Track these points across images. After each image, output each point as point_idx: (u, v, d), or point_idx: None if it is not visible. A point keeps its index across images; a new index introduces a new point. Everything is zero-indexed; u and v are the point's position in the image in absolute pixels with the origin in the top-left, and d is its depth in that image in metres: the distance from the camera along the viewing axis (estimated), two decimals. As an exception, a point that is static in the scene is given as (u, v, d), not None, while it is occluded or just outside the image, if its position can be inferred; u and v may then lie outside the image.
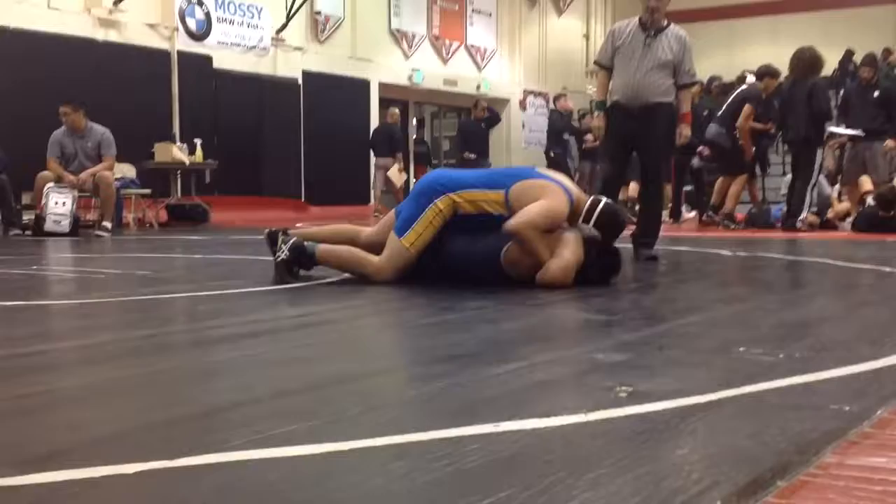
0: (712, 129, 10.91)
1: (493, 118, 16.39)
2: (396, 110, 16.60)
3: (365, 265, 4.35)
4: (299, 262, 4.43)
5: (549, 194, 4.18)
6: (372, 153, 16.38)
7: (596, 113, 6.28)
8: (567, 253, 4.11)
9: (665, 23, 5.91)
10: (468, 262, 4.24)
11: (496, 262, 4.19)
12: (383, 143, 15.86)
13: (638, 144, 5.93)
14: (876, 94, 10.33)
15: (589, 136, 18.49)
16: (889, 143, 10.25)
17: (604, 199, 4.41)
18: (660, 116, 5.83)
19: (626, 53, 5.83)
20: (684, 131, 5.98)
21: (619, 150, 6.01)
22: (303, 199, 15.87)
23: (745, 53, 11.89)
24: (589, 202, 4.33)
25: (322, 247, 4.42)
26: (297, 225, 4.78)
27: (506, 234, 4.15)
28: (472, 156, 15.20)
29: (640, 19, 5.92)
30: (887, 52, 20.91)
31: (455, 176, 4.40)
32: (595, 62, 6.19)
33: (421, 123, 20.85)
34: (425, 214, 4.23)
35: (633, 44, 5.82)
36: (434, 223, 4.22)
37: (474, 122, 16.06)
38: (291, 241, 4.39)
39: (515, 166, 4.64)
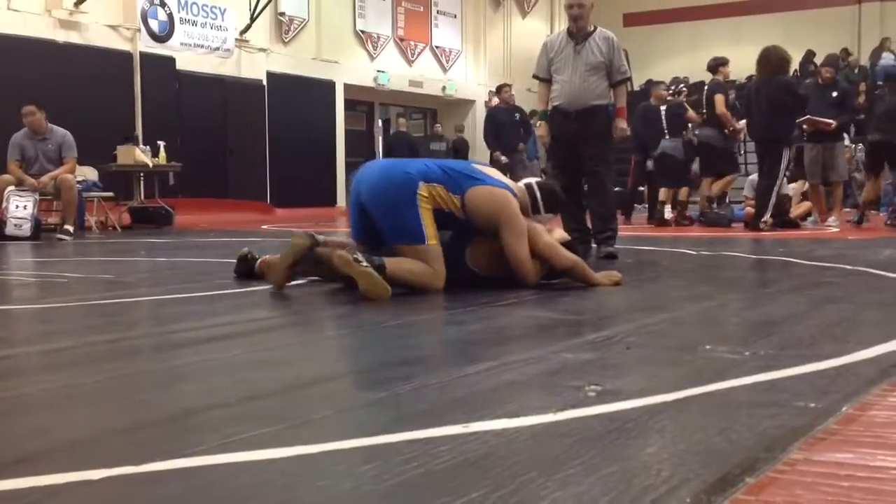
0: (705, 131, 11.13)
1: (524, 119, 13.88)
2: (403, 119, 16.71)
3: (429, 275, 3.99)
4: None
5: (503, 208, 4.13)
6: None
7: (539, 123, 6.57)
8: (545, 238, 4.19)
9: (591, 28, 6.25)
10: None
11: (462, 262, 4.19)
12: (402, 151, 16.00)
13: (578, 144, 6.18)
14: (834, 94, 10.48)
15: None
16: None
17: (534, 184, 4.53)
18: (597, 117, 6.17)
19: (560, 63, 6.22)
20: (620, 125, 6.23)
21: (563, 153, 6.32)
22: (268, 202, 15.79)
23: (708, 54, 11.97)
24: (527, 193, 4.40)
25: (390, 260, 3.90)
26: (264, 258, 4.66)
27: (465, 236, 4.17)
28: (504, 158, 13.13)
29: (567, 30, 6.29)
30: (845, 52, 21.23)
31: (414, 165, 4.17)
32: (533, 75, 6.48)
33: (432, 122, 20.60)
34: (420, 207, 3.98)
35: (565, 53, 6.20)
36: (428, 209, 4.01)
37: (504, 109, 13.83)
38: (362, 254, 3.81)
39: (461, 162, 4.56)
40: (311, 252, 4.12)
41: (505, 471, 1.48)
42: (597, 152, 6.19)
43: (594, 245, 6.23)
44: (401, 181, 4.01)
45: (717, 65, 11.09)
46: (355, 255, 3.73)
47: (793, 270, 5.28)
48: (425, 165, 4.15)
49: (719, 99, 10.70)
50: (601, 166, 6.25)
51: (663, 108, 11.77)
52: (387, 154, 17.15)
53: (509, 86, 14.69)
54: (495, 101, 20.22)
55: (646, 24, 24.76)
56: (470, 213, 4.10)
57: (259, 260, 4.66)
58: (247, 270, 4.69)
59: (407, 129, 16.92)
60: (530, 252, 4.15)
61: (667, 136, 11.60)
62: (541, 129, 6.47)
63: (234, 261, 4.81)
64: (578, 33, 6.18)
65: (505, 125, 13.53)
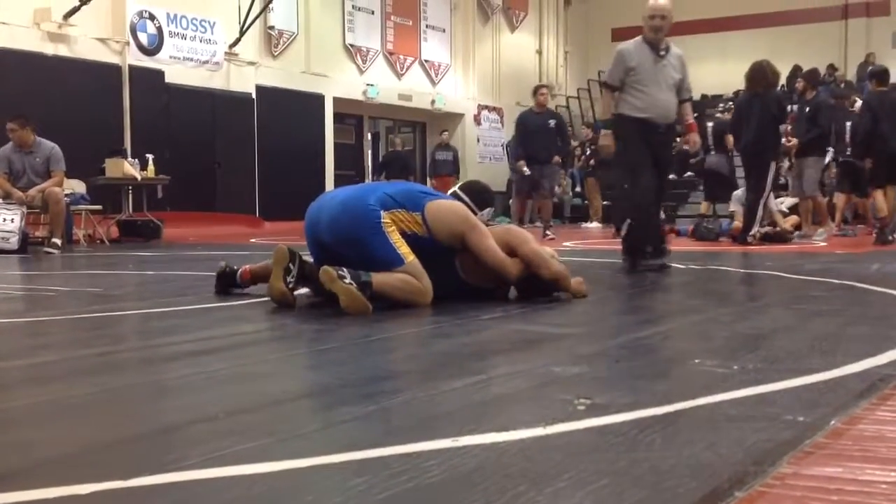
0: (712, 158, 11.39)
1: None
2: (398, 139, 16.71)
3: (416, 289, 3.93)
4: (362, 293, 3.75)
5: (466, 214, 4.15)
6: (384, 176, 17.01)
7: (603, 132, 6.33)
8: (531, 245, 4.20)
9: (665, 42, 6.20)
10: (439, 289, 4.07)
11: (454, 274, 4.19)
12: (395, 170, 16.27)
13: (658, 157, 6.17)
14: (807, 109, 10.63)
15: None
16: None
17: (456, 190, 4.60)
18: (673, 132, 6.33)
19: (643, 75, 6.08)
20: (696, 139, 6.37)
21: (646, 165, 6.10)
22: (257, 215, 15.76)
23: (696, 69, 12.02)
24: (459, 198, 4.45)
25: (378, 276, 3.84)
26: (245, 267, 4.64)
27: (441, 255, 4.14)
28: (527, 170, 11.44)
29: (645, 39, 6.15)
30: (832, 68, 21.38)
31: (371, 195, 4.05)
32: (603, 82, 6.38)
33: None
34: (387, 232, 3.93)
35: (647, 64, 6.09)
36: (394, 230, 3.97)
37: (538, 114, 11.75)
38: (348, 270, 3.78)
39: (407, 184, 4.63)
40: (303, 265, 4.10)
41: (494, 485, 1.48)
42: (668, 171, 6.40)
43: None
44: (362, 213, 3.94)
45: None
46: (340, 272, 3.71)
47: (781, 284, 5.30)
48: (383, 193, 4.06)
49: (730, 139, 11.17)
50: (666, 186, 6.46)
51: (710, 124, 11.90)
52: (380, 171, 17.25)
53: (546, 87, 12.91)
54: (484, 115, 20.11)
55: (631, 39, 24.87)
56: (433, 226, 4.06)
57: (240, 270, 4.62)
58: (227, 285, 4.64)
59: (402, 148, 16.96)
60: (513, 257, 4.14)
61: (712, 152, 11.84)
62: (605, 138, 6.25)
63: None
64: (659, 44, 6.12)
65: (537, 132, 11.50)
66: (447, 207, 4.14)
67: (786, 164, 11.63)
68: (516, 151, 12.12)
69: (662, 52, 6.11)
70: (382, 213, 3.96)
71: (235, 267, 4.66)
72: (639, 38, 6.21)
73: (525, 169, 11.48)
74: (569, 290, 4.24)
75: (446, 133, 19.25)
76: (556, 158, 11.95)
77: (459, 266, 4.19)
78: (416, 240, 4.04)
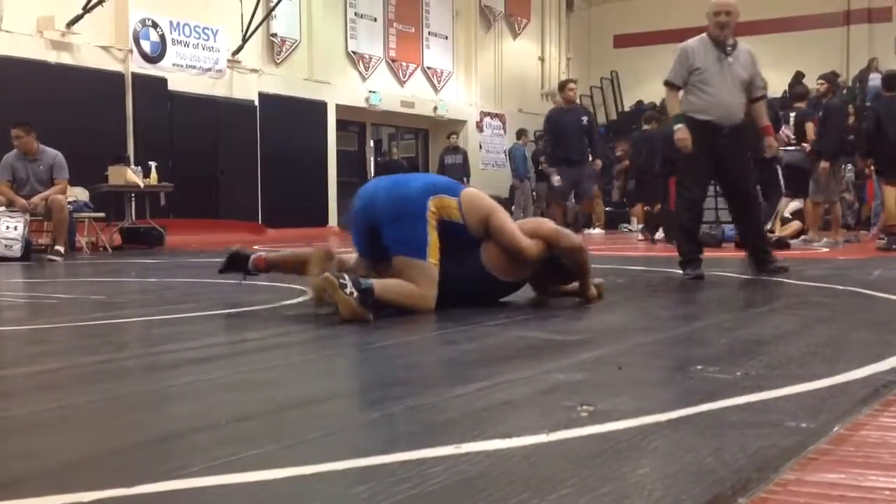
0: (793, 153, 11.38)
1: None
2: (395, 149, 16.54)
3: (417, 297, 3.94)
4: (364, 300, 3.72)
5: (490, 200, 4.33)
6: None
7: (678, 126, 5.90)
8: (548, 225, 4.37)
9: (732, 39, 5.97)
10: (462, 284, 4.15)
11: (485, 273, 4.21)
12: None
13: (725, 162, 5.93)
14: (819, 113, 10.64)
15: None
16: (823, 164, 10.57)
17: None
18: (745, 134, 5.97)
19: (707, 74, 5.88)
20: (772, 142, 6.06)
21: (705, 169, 5.99)
22: (260, 222, 15.78)
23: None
24: None
25: (379, 282, 3.85)
26: (255, 247, 4.67)
27: (470, 246, 4.19)
28: (557, 178, 10.69)
29: (709, 36, 5.95)
30: (834, 74, 21.34)
31: (419, 181, 4.25)
32: (666, 81, 6.07)
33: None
34: (428, 222, 4.00)
35: (711, 63, 5.89)
36: (434, 225, 4.04)
37: (568, 111, 10.93)
38: (350, 276, 3.75)
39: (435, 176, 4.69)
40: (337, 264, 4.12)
41: (498, 492, 1.48)
42: (746, 172, 6.07)
43: (755, 265, 6.13)
44: (414, 196, 4.06)
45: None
46: (342, 280, 3.71)
47: (783, 290, 5.30)
48: (429, 181, 4.27)
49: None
50: (751, 188, 6.13)
51: (793, 114, 11.55)
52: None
53: (574, 82, 11.84)
54: (487, 122, 19.99)
55: (636, 45, 24.89)
56: (466, 213, 4.16)
57: (253, 255, 4.61)
58: (236, 268, 4.61)
59: (396, 156, 16.99)
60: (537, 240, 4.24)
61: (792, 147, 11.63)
62: (681, 132, 5.84)
63: (230, 281, 4.79)
64: (725, 43, 5.92)
65: (570, 131, 10.62)
66: (477, 194, 4.33)
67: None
68: (551, 153, 11.14)
69: (729, 49, 5.89)
70: (429, 200, 4.06)
71: (248, 251, 4.66)
72: (703, 35, 6.02)
73: (556, 178, 10.78)
74: (585, 271, 4.36)
75: (455, 136, 18.81)
76: (598, 163, 11.30)
77: (484, 257, 4.22)
78: (453, 228, 4.11)
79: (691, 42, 6.05)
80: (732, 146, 5.89)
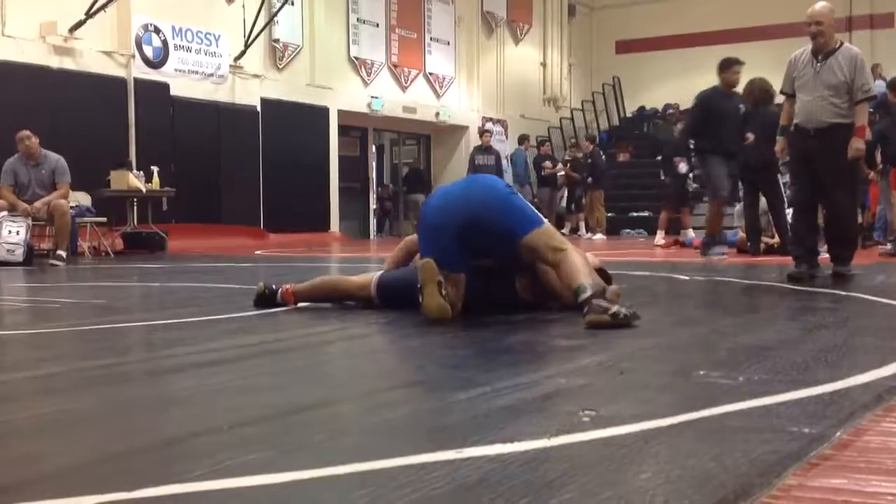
0: None
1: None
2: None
3: (581, 257, 3.97)
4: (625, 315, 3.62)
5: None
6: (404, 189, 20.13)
7: (779, 137, 6.48)
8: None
9: (836, 44, 6.17)
10: (487, 306, 4.10)
11: (517, 299, 4.21)
12: (416, 182, 19.22)
13: (817, 163, 6.14)
14: None
15: (547, 164, 18.68)
16: None
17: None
18: (836, 136, 6.05)
19: (802, 81, 6.21)
20: (854, 144, 6.10)
21: (800, 168, 6.32)
22: (261, 227, 15.78)
23: (698, 81, 12.09)
24: None
25: (591, 283, 3.76)
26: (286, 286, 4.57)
27: (511, 268, 4.20)
28: (684, 168, 9.42)
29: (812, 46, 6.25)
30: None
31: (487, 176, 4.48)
32: (780, 91, 6.53)
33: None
34: (517, 195, 4.16)
35: (805, 71, 6.18)
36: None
37: (728, 95, 9.14)
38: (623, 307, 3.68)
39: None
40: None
41: (499, 496, 1.48)
42: (835, 175, 6.11)
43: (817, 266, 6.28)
44: (496, 186, 4.15)
45: None
46: (617, 311, 3.61)
47: (786, 295, 5.29)
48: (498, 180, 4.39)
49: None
50: (839, 191, 6.17)
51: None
52: (404, 184, 20.07)
53: (741, 63, 9.49)
54: (489, 127, 20.04)
55: (638, 51, 24.90)
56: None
57: (280, 290, 4.49)
58: (267, 303, 4.49)
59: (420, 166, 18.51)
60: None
61: None
62: (780, 143, 6.43)
63: (232, 286, 4.79)
64: (820, 51, 6.12)
65: (726, 117, 8.92)
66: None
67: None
68: (707, 141, 9.01)
69: (821, 58, 6.11)
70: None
71: (274, 286, 4.53)
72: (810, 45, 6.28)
73: (683, 165, 9.39)
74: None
75: (487, 134, 17.71)
76: (749, 136, 9.25)
77: (520, 286, 4.23)
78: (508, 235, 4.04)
79: (796, 52, 6.42)
80: (819, 149, 6.09)
